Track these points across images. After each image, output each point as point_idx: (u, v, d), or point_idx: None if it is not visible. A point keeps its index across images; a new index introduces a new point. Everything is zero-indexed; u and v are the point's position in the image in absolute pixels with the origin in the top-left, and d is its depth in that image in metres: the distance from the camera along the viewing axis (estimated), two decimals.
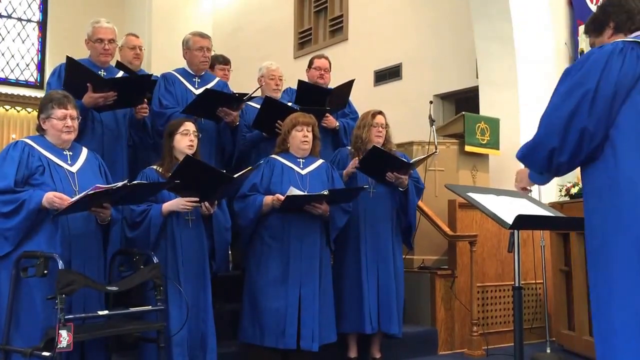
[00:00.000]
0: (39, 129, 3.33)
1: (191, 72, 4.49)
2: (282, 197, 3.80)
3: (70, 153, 3.32)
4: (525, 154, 2.43)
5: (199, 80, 4.47)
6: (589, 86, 2.23)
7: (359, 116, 4.54)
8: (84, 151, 3.42)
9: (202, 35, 4.48)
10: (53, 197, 3.02)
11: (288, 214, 3.89)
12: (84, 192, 3.01)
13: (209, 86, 4.44)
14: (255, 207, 3.87)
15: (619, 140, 2.23)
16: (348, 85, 4.80)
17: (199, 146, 3.78)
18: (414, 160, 4.30)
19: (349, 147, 4.46)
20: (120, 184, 3.06)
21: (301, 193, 3.85)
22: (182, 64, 4.58)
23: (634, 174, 2.20)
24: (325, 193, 3.82)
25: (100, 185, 3.02)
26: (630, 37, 2.35)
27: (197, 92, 4.31)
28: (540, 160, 2.35)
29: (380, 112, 4.37)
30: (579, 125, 2.22)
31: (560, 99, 2.29)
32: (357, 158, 4.19)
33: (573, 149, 2.26)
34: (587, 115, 2.21)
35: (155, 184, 3.53)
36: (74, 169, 3.28)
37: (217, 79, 4.68)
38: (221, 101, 4.16)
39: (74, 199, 3.01)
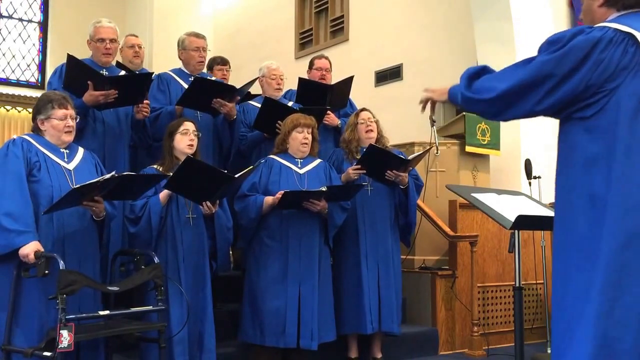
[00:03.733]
0: (36, 129, 3.32)
1: (187, 72, 4.49)
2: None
3: (67, 151, 3.32)
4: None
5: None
6: (557, 72, 2.05)
7: None
8: (80, 150, 3.42)
9: (198, 35, 4.47)
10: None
11: (287, 213, 3.90)
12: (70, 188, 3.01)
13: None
14: (256, 207, 3.88)
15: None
16: (348, 82, 4.80)
17: (199, 145, 3.79)
18: (412, 156, 4.29)
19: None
20: (108, 175, 3.05)
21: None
22: None
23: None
24: (324, 189, 3.82)
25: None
26: (623, 24, 2.10)
27: None
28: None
29: (364, 109, 4.38)
30: (525, 106, 2.14)
31: (526, 69, 2.13)
32: (358, 166, 4.12)
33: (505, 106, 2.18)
34: (536, 103, 2.11)
35: (147, 175, 3.52)
36: (71, 166, 3.28)
37: (214, 78, 4.68)
38: (214, 91, 4.15)
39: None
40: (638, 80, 2.02)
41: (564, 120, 2.19)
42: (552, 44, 2.12)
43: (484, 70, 2.34)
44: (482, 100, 2.26)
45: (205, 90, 4.11)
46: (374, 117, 4.35)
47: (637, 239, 1.98)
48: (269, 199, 3.86)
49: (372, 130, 4.31)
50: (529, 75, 2.12)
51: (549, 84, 2.08)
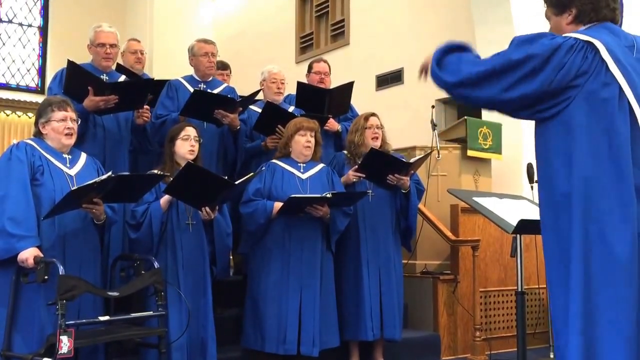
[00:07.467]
0: (38, 134, 3.32)
1: (198, 78, 4.49)
2: None
3: (70, 157, 3.32)
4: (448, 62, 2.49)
5: (204, 86, 4.46)
6: (524, 66, 2.21)
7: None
8: (83, 156, 3.43)
9: (207, 41, 4.50)
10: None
11: (289, 218, 3.88)
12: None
13: (215, 92, 4.42)
14: (266, 212, 3.85)
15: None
16: (348, 87, 4.78)
17: (200, 151, 3.77)
18: (413, 160, 4.27)
19: (345, 152, 4.44)
20: (104, 176, 3.05)
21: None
22: (184, 68, 4.58)
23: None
24: (329, 196, 3.81)
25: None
26: (584, 34, 2.23)
27: None
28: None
29: (373, 114, 4.35)
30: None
31: (495, 65, 2.30)
32: (356, 167, 4.11)
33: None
34: (503, 90, 2.25)
35: (143, 175, 3.51)
36: (73, 172, 3.28)
37: (225, 84, 4.68)
38: (215, 103, 4.14)
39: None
40: (597, 83, 2.15)
41: (538, 122, 2.31)
42: (519, 43, 2.29)
43: (461, 48, 2.50)
44: (445, 82, 2.50)
45: (206, 102, 4.11)
46: (381, 125, 4.34)
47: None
48: (279, 205, 3.84)
49: (377, 138, 4.29)
50: (499, 63, 2.29)
51: (517, 74, 2.22)
